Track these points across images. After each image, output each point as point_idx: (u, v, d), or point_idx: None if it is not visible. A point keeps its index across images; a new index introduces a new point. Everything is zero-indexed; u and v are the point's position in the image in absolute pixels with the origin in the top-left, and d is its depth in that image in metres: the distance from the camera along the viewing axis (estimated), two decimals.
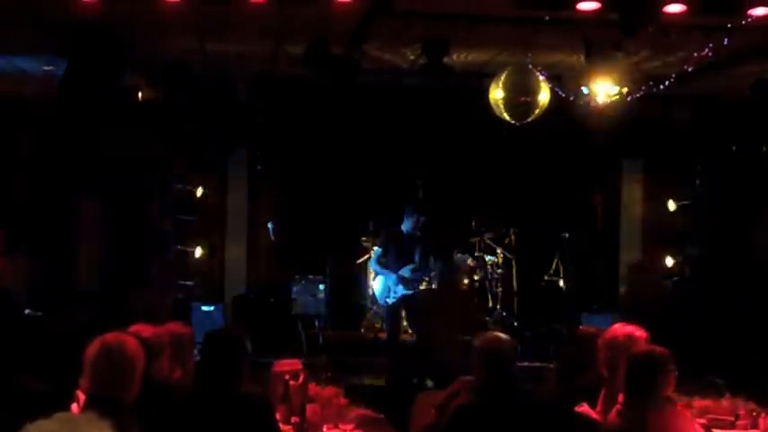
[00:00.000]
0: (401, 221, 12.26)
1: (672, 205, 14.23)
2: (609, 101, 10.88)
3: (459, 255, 13.55)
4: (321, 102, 12.70)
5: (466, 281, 13.47)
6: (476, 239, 13.94)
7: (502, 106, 10.86)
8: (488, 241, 13.90)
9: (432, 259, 12.35)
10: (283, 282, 13.51)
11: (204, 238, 13.98)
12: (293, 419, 6.34)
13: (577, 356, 6.56)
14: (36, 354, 9.43)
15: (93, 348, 4.66)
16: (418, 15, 9.61)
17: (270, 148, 13.94)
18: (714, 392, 7.80)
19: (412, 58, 11.16)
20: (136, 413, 4.64)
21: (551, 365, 11.50)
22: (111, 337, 4.80)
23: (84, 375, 4.65)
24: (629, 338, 6.08)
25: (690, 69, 10.70)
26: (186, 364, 6.35)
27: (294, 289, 13.07)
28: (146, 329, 5.69)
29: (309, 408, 6.43)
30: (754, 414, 6.72)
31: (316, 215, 14.28)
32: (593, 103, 10.95)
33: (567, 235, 13.68)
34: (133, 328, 5.62)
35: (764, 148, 12.97)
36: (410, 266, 12.19)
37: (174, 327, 6.46)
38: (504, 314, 13.61)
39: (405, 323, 13.03)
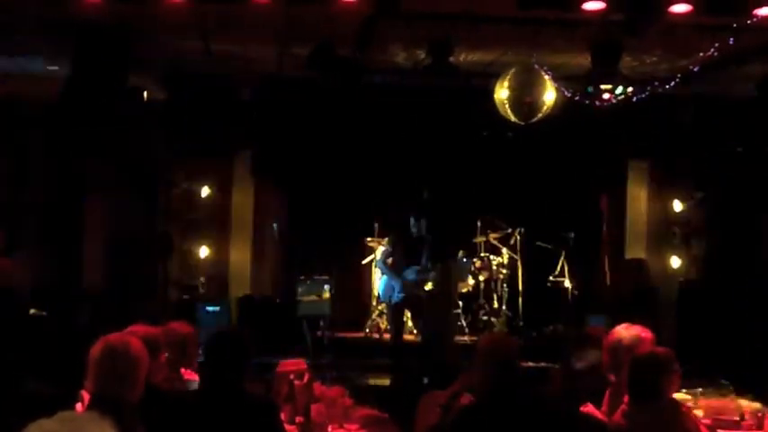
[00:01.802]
0: (408, 222, 12.28)
1: (677, 206, 14.22)
2: (614, 101, 10.87)
3: (465, 257, 13.53)
4: (326, 102, 12.70)
5: (471, 281, 13.48)
6: (481, 240, 13.93)
7: (507, 106, 10.86)
8: (494, 242, 13.90)
9: (436, 261, 12.36)
10: (288, 282, 13.52)
11: (209, 239, 13.99)
12: (298, 419, 6.34)
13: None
14: (40, 354, 9.44)
15: (96, 348, 4.66)
16: (423, 16, 9.61)
17: (275, 149, 13.94)
18: (719, 393, 7.78)
19: (418, 56, 11.15)
20: (140, 413, 4.64)
21: (556, 366, 11.52)
22: (114, 337, 4.80)
23: (88, 375, 4.65)
24: (636, 340, 6.07)
25: (695, 69, 10.69)
26: (190, 364, 6.36)
27: (299, 289, 13.07)
28: (142, 329, 5.67)
29: (314, 407, 6.42)
30: (760, 414, 6.71)
31: (321, 215, 14.27)
32: (598, 104, 10.94)
33: (572, 235, 13.66)
34: (130, 329, 5.61)
35: None
36: (416, 268, 12.20)
37: (177, 326, 6.46)
38: (510, 315, 13.61)
39: (410, 324, 13.04)
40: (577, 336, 7.62)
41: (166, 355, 5.92)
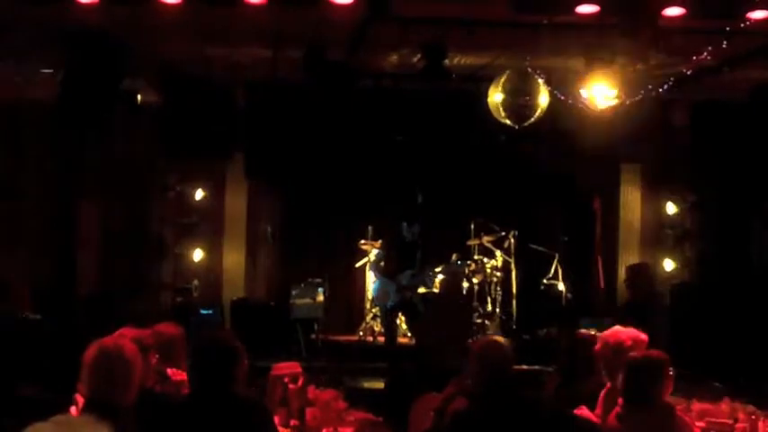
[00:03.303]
0: (401, 226, 12.30)
1: (670, 209, 14.23)
2: (607, 104, 10.88)
3: (459, 260, 13.52)
4: (319, 105, 12.69)
5: (465, 284, 13.47)
6: (475, 243, 13.92)
7: (501, 109, 10.87)
8: (487, 245, 13.89)
9: (430, 265, 12.38)
10: (282, 285, 13.50)
11: (203, 242, 13.97)
12: (292, 423, 6.34)
13: (575, 360, 6.58)
14: (35, 357, 9.43)
15: (90, 352, 4.66)
16: (417, 20, 9.62)
17: (268, 152, 13.92)
18: (713, 396, 7.80)
19: (412, 60, 11.16)
20: (134, 416, 4.65)
21: (550, 369, 11.53)
22: (108, 341, 4.80)
23: (82, 379, 4.65)
24: (630, 343, 6.08)
25: (689, 73, 10.71)
26: (178, 365, 6.32)
27: (293, 292, 13.06)
28: (131, 332, 5.65)
29: (308, 411, 6.43)
30: (753, 417, 6.73)
31: (314, 219, 14.26)
32: (591, 107, 10.95)
33: (566, 238, 13.66)
34: (119, 332, 5.59)
35: (762, 151, 12.97)
36: (410, 272, 12.23)
37: (165, 328, 6.43)
38: (503, 318, 13.61)
39: (404, 327, 13.05)
40: (569, 339, 7.63)
41: (156, 357, 5.89)
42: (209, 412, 5.13)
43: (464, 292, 13.20)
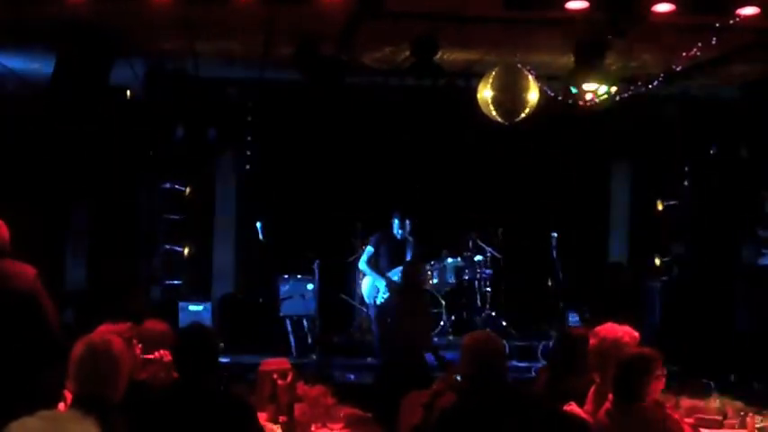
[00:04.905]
0: (392, 223, 12.30)
1: (659, 205, 14.24)
2: (597, 101, 10.88)
3: (449, 256, 13.52)
4: (310, 101, 12.69)
5: (454, 280, 13.46)
6: (465, 239, 13.91)
7: (491, 105, 10.86)
8: (477, 241, 13.88)
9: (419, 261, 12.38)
10: (271, 281, 13.49)
11: (192, 238, 13.92)
12: (281, 419, 6.32)
13: (566, 356, 6.57)
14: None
15: (78, 349, 4.65)
16: (407, 15, 9.61)
17: (259, 148, 13.92)
18: (701, 392, 7.81)
19: (402, 56, 11.15)
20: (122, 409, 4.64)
21: (540, 365, 11.56)
22: (96, 337, 4.79)
23: (69, 376, 4.64)
24: (621, 340, 6.08)
25: (678, 69, 10.72)
26: None
27: (283, 289, 13.05)
28: (107, 328, 5.62)
29: (297, 407, 6.41)
30: (742, 413, 6.73)
31: (304, 215, 14.25)
32: (581, 103, 10.95)
33: (555, 234, 13.67)
34: (99, 329, 5.56)
35: (752, 148, 13.00)
36: (400, 268, 12.22)
37: (152, 325, 6.40)
38: (493, 314, 13.61)
39: None
40: (561, 335, 7.62)
41: (140, 347, 5.86)
42: (193, 408, 5.12)
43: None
